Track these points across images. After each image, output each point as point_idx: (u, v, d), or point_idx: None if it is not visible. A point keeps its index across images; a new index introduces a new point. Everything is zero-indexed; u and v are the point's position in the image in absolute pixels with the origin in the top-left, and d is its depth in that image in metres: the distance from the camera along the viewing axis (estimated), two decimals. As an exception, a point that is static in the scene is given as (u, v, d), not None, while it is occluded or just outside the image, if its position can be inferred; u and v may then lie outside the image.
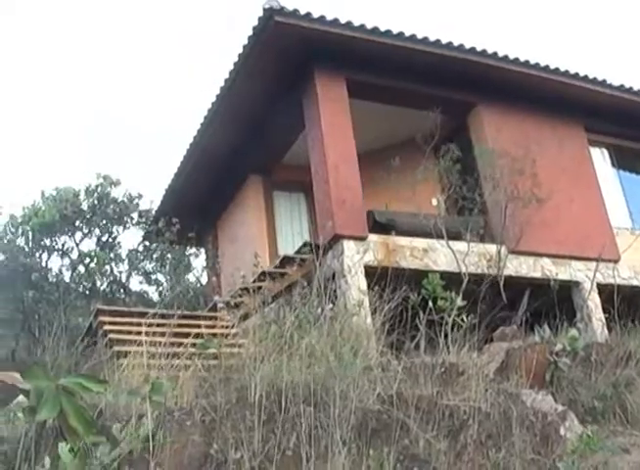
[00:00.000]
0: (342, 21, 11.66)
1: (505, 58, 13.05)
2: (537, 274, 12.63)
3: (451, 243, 11.32)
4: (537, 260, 12.72)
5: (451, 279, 9.37)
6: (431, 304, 8.13)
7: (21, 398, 5.70)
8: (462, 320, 7.96)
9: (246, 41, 12.02)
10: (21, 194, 22.95)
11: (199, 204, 15.79)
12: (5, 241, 18.92)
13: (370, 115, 13.42)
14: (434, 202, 12.81)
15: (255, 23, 11.57)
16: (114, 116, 42.82)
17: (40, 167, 39.43)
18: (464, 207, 12.12)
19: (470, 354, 7.50)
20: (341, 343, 6.77)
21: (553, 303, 10.54)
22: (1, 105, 44.34)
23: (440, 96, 12.71)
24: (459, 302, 8.34)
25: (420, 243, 11.85)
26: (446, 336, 7.72)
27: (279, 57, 12.05)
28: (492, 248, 12.07)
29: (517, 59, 13.15)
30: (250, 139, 14.34)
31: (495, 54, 12.97)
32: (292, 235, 15.62)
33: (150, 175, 39.76)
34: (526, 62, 13.28)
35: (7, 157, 39.14)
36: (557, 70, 13.58)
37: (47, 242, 19.18)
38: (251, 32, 11.79)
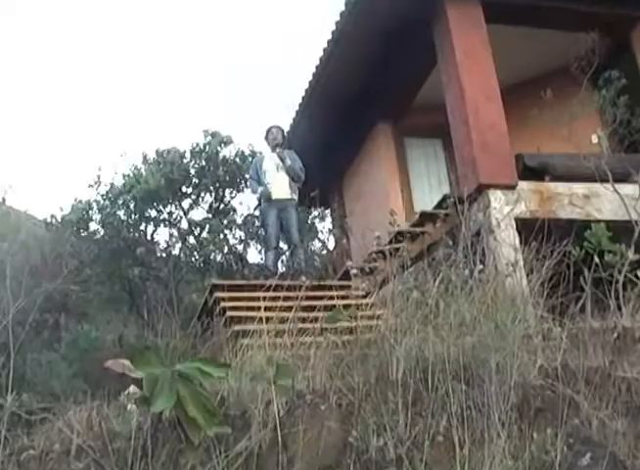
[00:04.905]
0: None
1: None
2: None
3: (618, 186, 10.98)
4: None
5: (620, 229, 9.10)
6: (596, 259, 7.93)
7: (132, 388, 5.83)
8: (636, 277, 7.75)
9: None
10: (119, 161, 22.86)
11: (320, 160, 15.75)
12: (104, 214, 19.28)
13: (513, 41, 13.08)
14: (595, 139, 12.48)
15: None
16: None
17: (140, 130, 40.35)
18: (633, 143, 11.75)
19: (647, 317, 7.30)
20: (494, 309, 6.69)
21: None
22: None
23: (595, 12, 12.33)
24: (631, 255, 8.09)
25: (580, 188, 11.55)
26: (617, 296, 7.53)
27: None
28: (670, 193, 11.65)
29: None
30: (374, 83, 14.24)
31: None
32: (428, 188, 15.46)
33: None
34: None
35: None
36: None
37: (152, 212, 19.48)
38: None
